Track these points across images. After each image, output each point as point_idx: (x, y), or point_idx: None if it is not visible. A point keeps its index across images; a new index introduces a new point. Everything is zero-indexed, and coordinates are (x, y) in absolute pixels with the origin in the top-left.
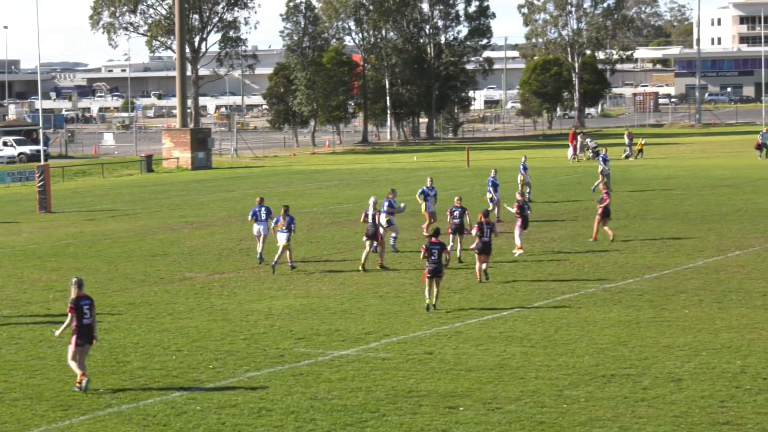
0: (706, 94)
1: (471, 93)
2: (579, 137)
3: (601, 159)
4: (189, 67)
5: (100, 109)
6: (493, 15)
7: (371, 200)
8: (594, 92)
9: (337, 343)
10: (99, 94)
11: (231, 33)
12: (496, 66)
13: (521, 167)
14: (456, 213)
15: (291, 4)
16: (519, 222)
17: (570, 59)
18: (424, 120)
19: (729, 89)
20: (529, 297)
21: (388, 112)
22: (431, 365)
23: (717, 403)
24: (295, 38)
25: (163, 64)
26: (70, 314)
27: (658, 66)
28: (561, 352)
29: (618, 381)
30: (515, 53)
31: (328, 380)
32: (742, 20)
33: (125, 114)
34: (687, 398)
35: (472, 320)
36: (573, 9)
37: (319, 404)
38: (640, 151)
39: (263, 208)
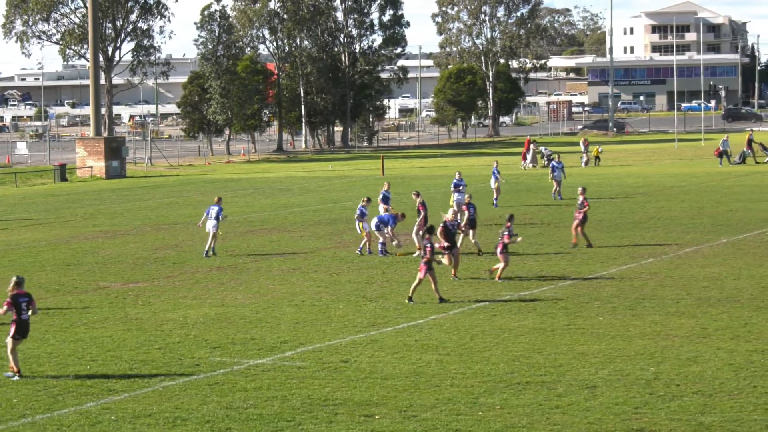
0: (619, 103)
1: (386, 101)
2: (533, 145)
3: (552, 165)
4: (102, 75)
5: (13, 118)
6: (408, 24)
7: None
8: (508, 101)
9: (252, 352)
10: (12, 103)
11: (145, 41)
12: (410, 75)
13: (494, 172)
14: (471, 210)
15: (205, 12)
16: (420, 220)
17: (484, 68)
18: (339, 128)
19: (642, 98)
20: (444, 305)
21: (303, 120)
22: (347, 374)
23: (631, 410)
24: (210, 47)
25: (77, 72)
26: (6, 307)
27: (572, 75)
28: (476, 360)
29: (533, 388)
30: (429, 62)
31: (244, 389)
32: (654, 29)
33: (38, 123)
34: (601, 405)
35: (387, 328)
36: (487, 18)
37: (235, 413)
38: (597, 157)
39: (217, 207)
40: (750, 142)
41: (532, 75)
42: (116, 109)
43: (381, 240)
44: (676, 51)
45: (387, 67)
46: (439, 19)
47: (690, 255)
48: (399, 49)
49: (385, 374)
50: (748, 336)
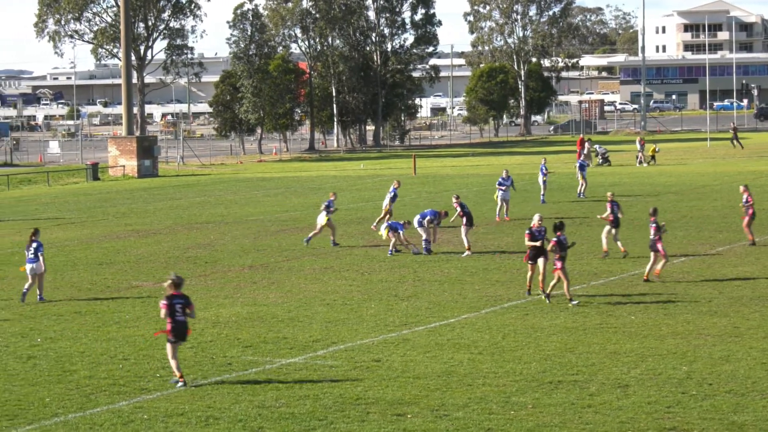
0: (651, 102)
1: (417, 100)
2: (587, 144)
3: (578, 165)
4: (135, 74)
5: (46, 117)
6: (440, 23)
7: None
8: (540, 100)
9: (284, 351)
10: (44, 102)
11: (177, 41)
12: (442, 74)
13: (542, 168)
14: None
15: (238, 11)
16: (464, 221)
17: (516, 67)
18: (370, 127)
19: (674, 96)
20: (476, 304)
21: (335, 119)
22: (379, 373)
23: (663, 409)
24: (242, 46)
25: (109, 71)
26: (164, 310)
27: (604, 73)
28: (508, 359)
29: (565, 387)
30: (461, 61)
31: (276, 388)
32: (687, 28)
33: (71, 122)
34: (633, 404)
35: (419, 327)
36: (518, 17)
37: (267, 412)
38: (653, 157)
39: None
40: None
41: (563, 74)
42: (148, 108)
43: (424, 237)
44: (708, 50)
45: (419, 66)
46: (471, 18)
47: (722, 254)
48: (431, 48)
49: (416, 373)
50: None
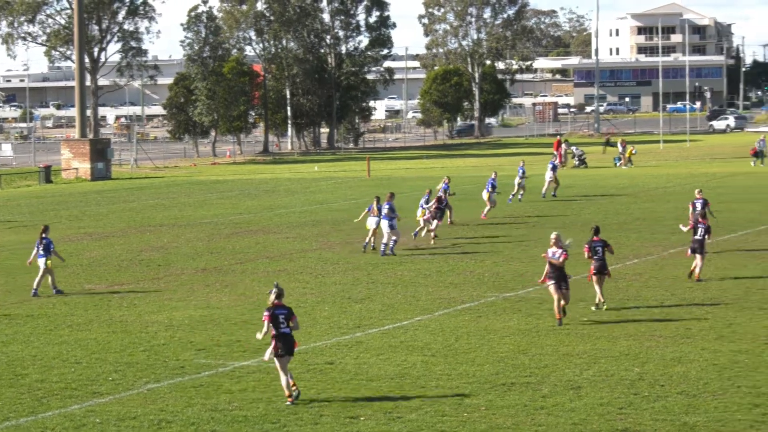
0: (605, 104)
1: (372, 103)
2: (564, 145)
3: (550, 165)
4: (88, 77)
5: None
6: (394, 25)
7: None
8: (494, 102)
9: (237, 354)
10: None
11: (131, 43)
12: (396, 76)
13: (519, 170)
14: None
15: (192, 14)
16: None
17: (470, 69)
18: (325, 130)
19: (627, 99)
20: (429, 306)
21: (289, 122)
22: (332, 375)
23: (615, 410)
24: (196, 48)
25: (62, 74)
26: (266, 322)
27: (558, 76)
28: (461, 361)
29: (518, 389)
30: (416, 63)
31: (229, 391)
32: (640, 31)
33: (23, 124)
34: (586, 405)
35: (372, 330)
36: (473, 19)
37: (220, 415)
38: (630, 158)
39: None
40: None
41: (518, 76)
42: (102, 111)
43: (394, 238)
44: (661, 52)
45: (373, 69)
46: (425, 21)
47: (674, 256)
48: (385, 51)
49: (370, 376)
50: (732, 336)
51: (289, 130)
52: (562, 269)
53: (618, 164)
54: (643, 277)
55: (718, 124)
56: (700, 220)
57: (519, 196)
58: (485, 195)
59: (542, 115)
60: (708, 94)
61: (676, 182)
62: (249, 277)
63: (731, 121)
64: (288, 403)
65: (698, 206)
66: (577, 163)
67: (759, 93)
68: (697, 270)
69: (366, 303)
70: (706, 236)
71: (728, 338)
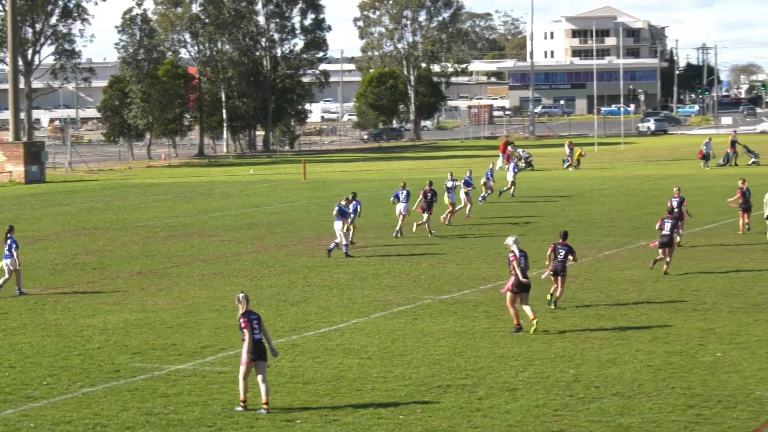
0: (540, 107)
1: (307, 106)
2: (510, 147)
3: (512, 165)
4: (22, 79)
5: None
6: (329, 28)
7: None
8: (429, 105)
9: (173, 358)
10: None
11: (65, 45)
12: (332, 79)
13: (488, 172)
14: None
15: (126, 16)
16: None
17: (405, 72)
18: (260, 133)
19: (562, 102)
20: (365, 309)
21: (225, 124)
22: (268, 379)
23: (551, 412)
24: (131, 50)
25: None
26: (245, 328)
27: (493, 79)
28: (397, 364)
29: (454, 391)
30: (351, 66)
31: (164, 395)
32: (575, 34)
33: None
34: (521, 407)
35: (308, 333)
36: (408, 22)
37: (155, 419)
38: (579, 161)
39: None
40: (734, 143)
41: (453, 79)
42: (36, 114)
43: (344, 241)
44: (596, 55)
45: (309, 71)
46: (360, 24)
47: (609, 258)
48: (320, 54)
49: (306, 379)
50: (666, 338)
51: (225, 132)
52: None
53: (566, 166)
54: (578, 279)
55: (642, 127)
56: (668, 216)
57: (479, 199)
58: (462, 194)
59: (477, 117)
60: (642, 97)
61: (610, 185)
62: (184, 280)
63: (651, 124)
64: (239, 408)
65: (674, 204)
66: (523, 165)
67: (692, 95)
68: (652, 265)
69: (302, 306)
70: (676, 231)
71: (663, 339)
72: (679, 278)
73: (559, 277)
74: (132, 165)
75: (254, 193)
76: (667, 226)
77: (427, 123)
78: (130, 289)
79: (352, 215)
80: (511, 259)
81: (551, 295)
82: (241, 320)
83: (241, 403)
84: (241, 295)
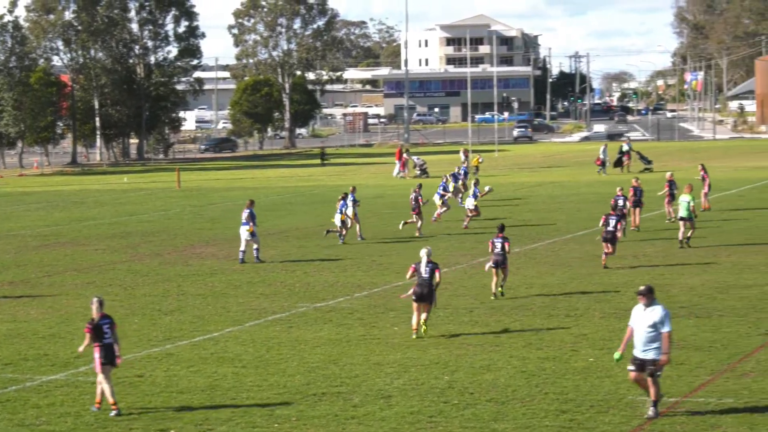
0: (415, 115)
1: (182, 113)
2: (405, 155)
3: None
4: None
5: None
6: (203, 35)
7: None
8: (304, 112)
9: (45, 368)
10: None
11: None
12: (206, 86)
13: (442, 185)
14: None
15: None
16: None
17: (280, 80)
18: (134, 141)
19: (437, 109)
20: (240, 317)
21: (98, 132)
22: (142, 388)
23: (426, 419)
24: (2, 58)
25: None
26: (88, 334)
27: (368, 87)
28: (272, 372)
29: (329, 399)
30: (226, 74)
31: (36, 406)
32: (449, 42)
33: None
34: (396, 414)
35: (183, 342)
36: (283, 30)
37: (27, 431)
38: (476, 167)
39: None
40: (627, 149)
41: (328, 87)
42: None
43: (255, 246)
44: (470, 63)
45: (183, 79)
46: (235, 31)
47: (483, 265)
48: (195, 61)
49: (180, 388)
50: (540, 343)
51: (98, 141)
52: (431, 284)
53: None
54: (453, 285)
55: (516, 133)
56: (612, 213)
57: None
58: (437, 198)
59: (352, 125)
60: (515, 105)
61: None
62: (57, 290)
63: (515, 132)
64: (113, 412)
65: (620, 202)
66: (418, 172)
67: (565, 103)
68: (603, 257)
69: (176, 315)
70: (618, 227)
71: (536, 345)
72: (552, 285)
73: (500, 269)
74: (3, 174)
75: (128, 201)
76: (612, 222)
77: (302, 131)
78: (1, 299)
79: (351, 209)
80: (411, 269)
81: (498, 287)
82: (87, 326)
83: (96, 405)
84: (95, 299)
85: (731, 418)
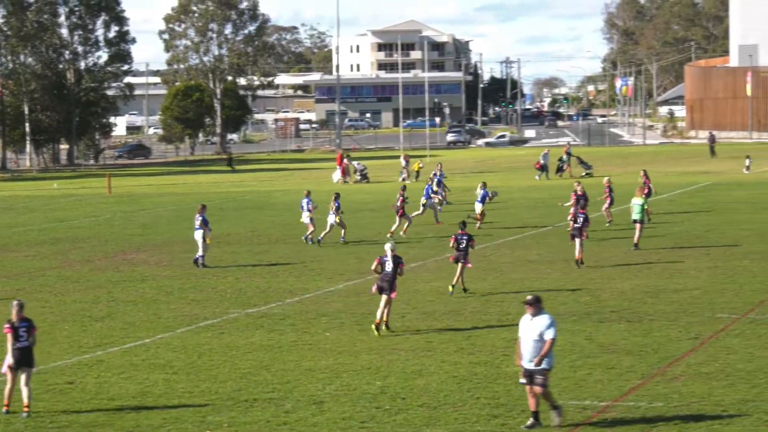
0: (346, 120)
1: (112, 119)
2: (345, 160)
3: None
4: None
5: None
6: (134, 40)
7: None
8: (236, 118)
9: None
10: None
11: None
12: (137, 92)
13: (428, 188)
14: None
15: None
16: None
17: (212, 85)
18: (64, 146)
19: (368, 115)
20: (171, 324)
21: (28, 138)
22: (72, 395)
23: (358, 424)
24: None
25: None
26: (9, 334)
27: (299, 92)
28: (204, 378)
29: (261, 405)
30: (157, 79)
31: None
32: (380, 47)
33: None
34: (328, 420)
35: (114, 348)
36: (214, 35)
37: None
38: (417, 172)
39: (200, 216)
40: (568, 155)
41: (259, 92)
42: None
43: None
44: (401, 69)
45: (113, 84)
46: (166, 36)
47: (415, 270)
48: (125, 66)
49: (111, 395)
50: (471, 348)
51: (28, 146)
52: (394, 279)
53: (402, 179)
54: None
55: (450, 138)
56: (580, 210)
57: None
58: (423, 202)
59: (284, 130)
60: (447, 110)
61: (417, 196)
62: None
63: (449, 136)
64: (24, 414)
65: (581, 201)
66: (359, 177)
67: (497, 108)
68: (577, 253)
69: (107, 321)
70: (585, 224)
71: (467, 350)
72: (482, 289)
73: (460, 264)
74: None
75: (58, 207)
76: (580, 219)
77: (234, 136)
78: None
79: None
80: (376, 261)
81: (452, 286)
82: (5, 327)
83: (6, 407)
84: (15, 302)
85: (662, 422)
